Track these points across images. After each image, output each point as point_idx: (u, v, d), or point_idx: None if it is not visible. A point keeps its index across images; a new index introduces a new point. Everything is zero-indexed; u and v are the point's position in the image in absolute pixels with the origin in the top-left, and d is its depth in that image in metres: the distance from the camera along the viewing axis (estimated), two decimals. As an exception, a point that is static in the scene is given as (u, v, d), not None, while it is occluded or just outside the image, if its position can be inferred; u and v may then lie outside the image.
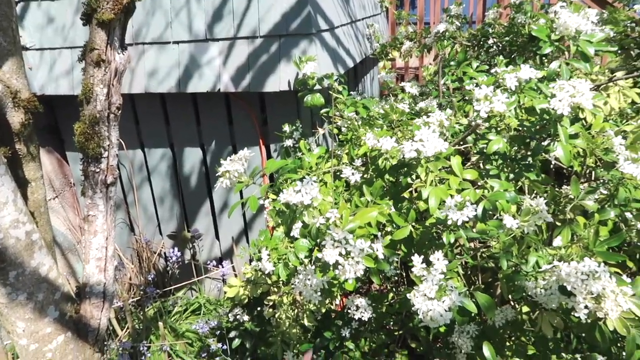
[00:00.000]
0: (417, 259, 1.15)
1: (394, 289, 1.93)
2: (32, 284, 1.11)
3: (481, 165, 1.60)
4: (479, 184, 1.40)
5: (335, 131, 2.48)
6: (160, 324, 2.28)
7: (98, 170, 1.14)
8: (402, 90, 2.48)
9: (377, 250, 1.17)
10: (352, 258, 1.10)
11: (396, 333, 1.80)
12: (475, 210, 1.17)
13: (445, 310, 1.07)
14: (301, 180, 1.18)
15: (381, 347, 1.75)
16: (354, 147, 2.09)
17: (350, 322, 1.76)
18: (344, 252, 1.10)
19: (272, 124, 2.42)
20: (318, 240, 1.23)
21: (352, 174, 1.46)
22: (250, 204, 1.30)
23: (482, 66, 2.12)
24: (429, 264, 1.16)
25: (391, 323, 1.84)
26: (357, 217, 1.22)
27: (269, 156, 2.50)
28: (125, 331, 2.33)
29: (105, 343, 1.45)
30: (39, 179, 1.25)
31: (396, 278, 2.30)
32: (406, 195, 1.49)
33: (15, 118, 1.14)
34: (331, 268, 1.15)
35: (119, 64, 1.11)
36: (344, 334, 1.72)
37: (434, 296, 1.08)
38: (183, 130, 2.56)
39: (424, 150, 1.20)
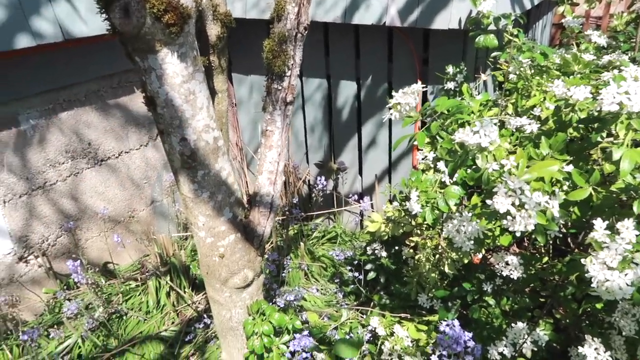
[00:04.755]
0: (599, 223, 1.04)
1: (548, 254, 1.80)
2: (214, 184, 1.22)
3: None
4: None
5: (501, 78, 2.29)
6: (301, 244, 2.44)
7: (280, 88, 1.19)
8: (585, 39, 2.19)
9: (552, 208, 1.07)
10: (526, 210, 1.03)
11: (542, 300, 1.70)
12: (681, 180, 1.01)
13: (627, 284, 0.96)
14: (465, 123, 1.11)
15: (524, 310, 1.66)
16: (522, 97, 1.92)
17: (494, 278, 1.70)
18: (517, 203, 1.03)
19: (433, 64, 2.32)
20: (485, 187, 1.17)
21: (529, 123, 1.34)
22: (418, 139, 1.27)
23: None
24: (610, 231, 1.04)
25: (537, 289, 1.74)
26: (534, 168, 1.13)
27: (424, 98, 2.42)
28: (270, 245, 2.54)
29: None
30: (224, 91, 1.35)
31: (543, 245, 2.14)
32: (587, 154, 1.34)
33: (213, 30, 1.22)
34: (498, 217, 1.09)
35: (312, -17, 1.12)
36: (485, 289, 1.67)
37: (615, 266, 0.98)
38: (341, 62, 2.57)
39: (629, 104, 1.04)
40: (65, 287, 2.39)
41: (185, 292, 2.36)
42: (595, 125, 1.23)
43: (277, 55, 1.16)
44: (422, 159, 1.85)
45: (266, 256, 2.29)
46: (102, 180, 2.51)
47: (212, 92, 1.33)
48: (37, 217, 2.26)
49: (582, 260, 1.02)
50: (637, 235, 1.00)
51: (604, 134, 1.25)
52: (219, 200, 1.24)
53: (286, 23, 1.14)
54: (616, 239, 1.00)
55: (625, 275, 0.96)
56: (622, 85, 1.09)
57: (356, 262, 2.24)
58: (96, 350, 2.07)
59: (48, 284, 2.37)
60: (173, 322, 2.27)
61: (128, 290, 2.43)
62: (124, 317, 2.28)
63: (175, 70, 1.06)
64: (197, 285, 2.44)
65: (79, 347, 2.08)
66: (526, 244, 2.33)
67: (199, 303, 2.34)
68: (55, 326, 2.18)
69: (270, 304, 1.63)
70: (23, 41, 1.90)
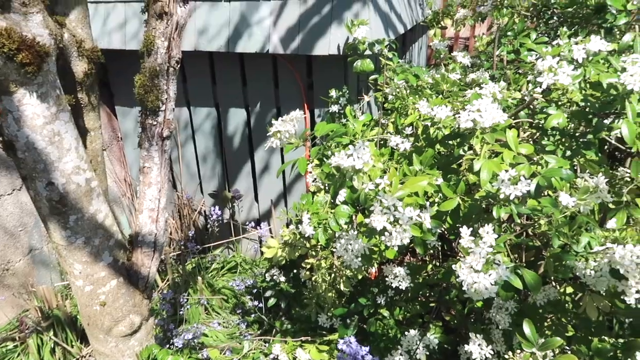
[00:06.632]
0: (465, 231, 1.13)
1: (432, 262, 1.92)
2: (90, 229, 1.15)
3: (535, 140, 1.55)
4: (534, 159, 1.36)
5: (381, 99, 2.44)
6: (199, 278, 2.36)
7: (155, 123, 1.17)
8: (453, 60, 2.42)
9: (424, 220, 1.16)
10: (400, 225, 1.10)
11: (431, 305, 1.81)
12: (529, 185, 1.14)
13: (491, 284, 1.06)
14: (351, 144, 1.18)
15: (415, 317, 1.76)
16: (400, 116, 2.06)
17: (386, 291, 1.77)
18: (392, 219, 1.10)
19: (318, 88, 2.41)
20: (365, 206, 1.23)
21: (402, 142, 1.44)
22: (299, 165, 1.31)
23: (542, 38, 2.04)
24: (475, 236, 1.14)
25: (427, 295, 1.85)
26: (406, 185, 1.21)
27: (312, 121, 2.50)
28: (166, 283, 2.43)
29: (151, 291, 1.51)
30: (97, 129, 1.29)
31: (432, 252, 2.29)
32: (456, 167, 1.47)
33: (79, 67, 1.17)
34: (377, 234, 1.15)
35: (181, 17, 1.12)
36: (379, 301, 1.74)
37: (480, 269, 1.07)
38: (229, 90, 2.57)
39: (481, 120, 1.16)
40: None
41: (72, 346, 2.17)
42: (457, 140, 1.35)
43: (150, 90, 1.13)
44: (313, 181, 1.90)
45: (160, 296, 2.18)
46: (-33, 232, 2.24)
47: (83, 131, 1.26)
48: None
49: (453, 266, 1.11)
50: (496, 238, 1.11)
51: (466, 148, 1.38)
52: (97, 244, 1.17)
53: (157, 57, 1.12)
54: (479, 243, 1.10)
55: (489, 275, 1.06)
56: (474, 104, 1.21)
57: (256, 290, 2.21)
58: None
59: None
60: (62, 381, 2.07)
61: (5, 352, 2.17)
62: (2, 384, 2.04)
63: (35, 112, 1.00)
64: (87, 337, 2.25)
65: None
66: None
67: (90, 355, 2.16)
68: None
69: (167, 346, 1.56)
70: None
